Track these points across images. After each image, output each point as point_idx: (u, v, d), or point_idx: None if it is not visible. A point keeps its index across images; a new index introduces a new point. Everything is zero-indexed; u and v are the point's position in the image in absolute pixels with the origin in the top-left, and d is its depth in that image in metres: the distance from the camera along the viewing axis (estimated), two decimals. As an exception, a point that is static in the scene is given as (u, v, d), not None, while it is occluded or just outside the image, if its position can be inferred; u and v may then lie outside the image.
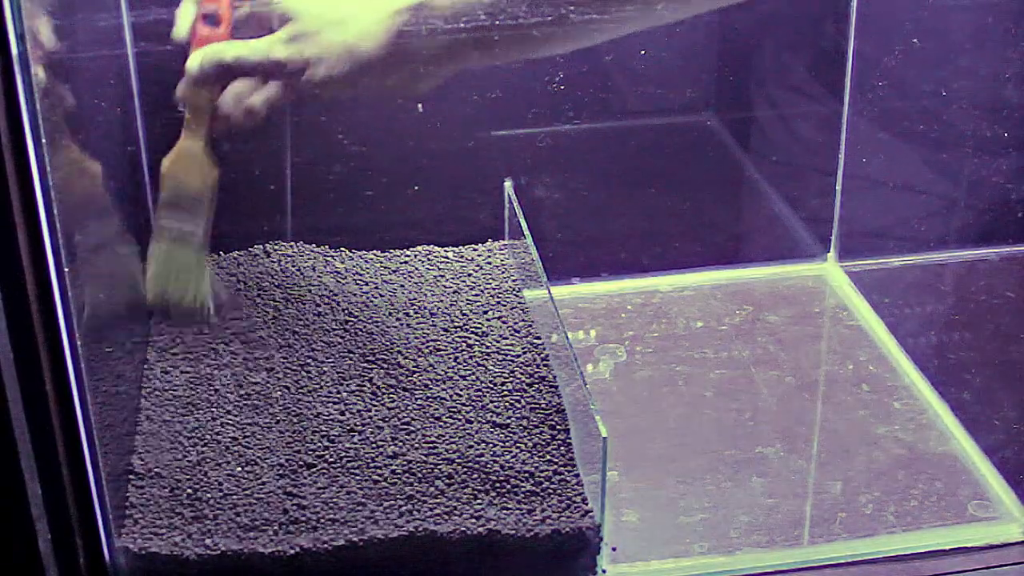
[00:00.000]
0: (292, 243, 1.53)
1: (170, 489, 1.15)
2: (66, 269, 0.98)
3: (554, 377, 1.29)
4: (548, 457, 1.19)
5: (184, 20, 1.30)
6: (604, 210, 1.56)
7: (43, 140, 0.93)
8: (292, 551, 1.09)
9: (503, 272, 1.47)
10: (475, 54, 1.29)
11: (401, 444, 1.20)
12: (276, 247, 1.52)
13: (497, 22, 1.22)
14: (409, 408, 1.25)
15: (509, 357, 1.32)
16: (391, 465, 1.18)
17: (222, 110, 1.28)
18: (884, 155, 1.46)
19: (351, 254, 1.52)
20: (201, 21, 1.28)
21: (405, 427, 1.22)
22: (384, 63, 1.26)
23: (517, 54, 1.34)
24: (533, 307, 1.40)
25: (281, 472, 1.17)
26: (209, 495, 1.15)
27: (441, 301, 1.40)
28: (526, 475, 1.17)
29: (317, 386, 1.29)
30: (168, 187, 1.30)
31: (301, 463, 1.18)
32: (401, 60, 1.25)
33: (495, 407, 1.25)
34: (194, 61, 1.27)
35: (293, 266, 1.50)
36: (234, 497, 1.14)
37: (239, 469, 1.18)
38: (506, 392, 1.27)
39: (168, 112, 1.38)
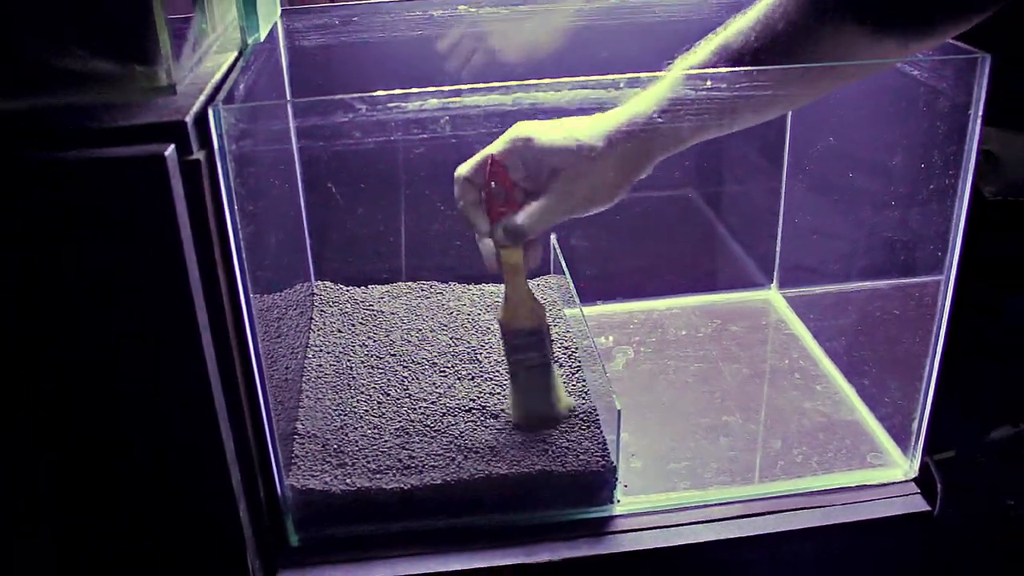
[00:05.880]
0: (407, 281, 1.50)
1: (322, 445, 1.16)
2: (251, 295, 0.98)
3: (583, 369, 1.29)
4: (579, 424, 1.19)
5: (487, 249, 1.11)
6: (619, 255, 1.52)
7: (235, 207, 0.94)
8: (405, 487, 1.10)
9: (550, 297, 1.46)
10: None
11: (481, 415, 1.20)
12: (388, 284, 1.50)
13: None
14: (485, 392, 1.25)
15: (554, 356, 1.29)
16: (473, 430, 1.18)
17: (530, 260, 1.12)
18: (812, 213, 1.41)
19: (445, 285, 1.49)
20: (492, 214, 1.08)
21: (483, 405, 1.22)
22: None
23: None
24: (571, 321, 1.39)
25: (398, 434, 1.18)
26: (348, 449, 1.15)
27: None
28: (564, 436, 1.17)
29: (423, 375, 1.28)
30: (512, 332, 1.17)
31: (411, 428, 1.19)
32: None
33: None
34: (503, 242, 1.08)
35: (403, 295, 1.47)
36: (365, 451, 1.15)
37: (369, 431, 1.18)
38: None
39: (320, 190, 1.39)
